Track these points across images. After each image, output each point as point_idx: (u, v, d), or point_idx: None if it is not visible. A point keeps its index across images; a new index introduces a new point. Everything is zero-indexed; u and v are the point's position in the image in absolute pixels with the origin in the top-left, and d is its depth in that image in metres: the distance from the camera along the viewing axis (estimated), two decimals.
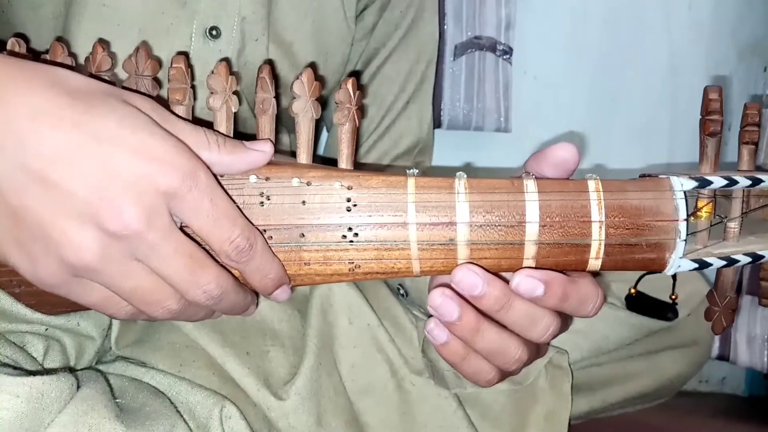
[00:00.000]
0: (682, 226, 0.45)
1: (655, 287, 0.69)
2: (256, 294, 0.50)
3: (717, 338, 1.22)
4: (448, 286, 0.47)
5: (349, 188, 0.46)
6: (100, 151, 0.39)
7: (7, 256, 0.42)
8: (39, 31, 0.62)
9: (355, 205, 0.46)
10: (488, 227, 0.45)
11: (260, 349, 0.58)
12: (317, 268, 0.47)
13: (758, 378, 1.42)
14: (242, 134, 0.49)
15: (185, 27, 0.63)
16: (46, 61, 0.46)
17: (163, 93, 0.48)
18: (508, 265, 0.46)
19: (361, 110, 0.49)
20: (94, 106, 0.40)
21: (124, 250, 0.41)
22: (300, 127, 0.48)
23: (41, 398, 0.41)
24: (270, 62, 0.68)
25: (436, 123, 1.20)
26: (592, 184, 0.46)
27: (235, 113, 0.48)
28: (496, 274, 0.46)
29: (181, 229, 0.43)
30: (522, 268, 0.46)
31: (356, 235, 0.46)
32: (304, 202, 0.46)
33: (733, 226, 0.49)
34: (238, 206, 0.45)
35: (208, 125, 0.46)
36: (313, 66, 0.72)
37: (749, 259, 0.48)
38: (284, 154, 0.79)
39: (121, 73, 0.47)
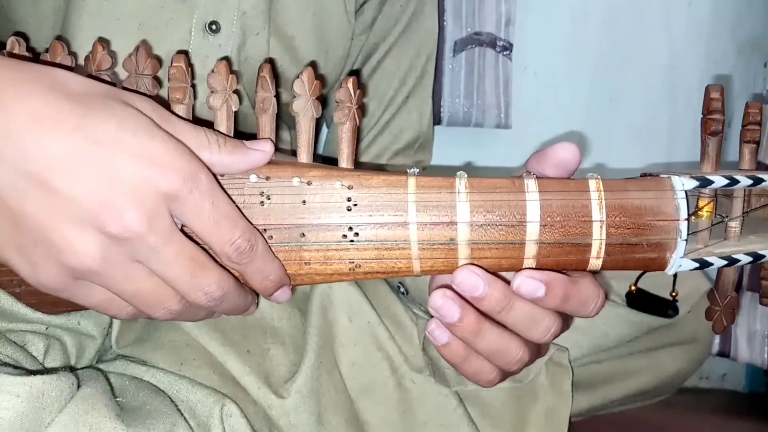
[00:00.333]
0: (683, 226, 0.45)
1: (655, 284, 0.69)
2: (257, 294, 0.50)
3: (717, 335, 1.22)
4: (449, 286, 0.47)
5: (350, 188, 0.46)
6: (101, 154, 0.39)
7: (8, 260, 0.42)
8: (39, 26, 0.62)
9: (355, 205, 0.46)
10: (489, 227, 0.45)
11: (261, 348, 0.58)
12: (318, 267, 0.47)
13: (759, 374, 1.42)
14: (242, 132, 0.49)
15: (185, 21, 0.63)
16: (45, 61, 0.46)
17: (164, 92, 0.48)
18: (509, 265, 0.46)
19: (362, 109, 0.49)
20: (93, 109, 0.40)
21: (126, 253, 0.41)
22: (300, 126, 0.48)
23: (41, 397, 0.41)
24: (271, 60, 0.68)
25: (436, 119, 1.19)
26: (593, 184, 0.46)
27: (235, 112, 0.48)
28: (496, 275, 0.46)
29: (182, 230, 0.43)
30: (523, 267, 0.46)
31: (357, 234, 0.46)
32: (304, 202, 0.46)
33: (734, 225, 0.49)
34: (238, 206, 0.45)
35: (209, 124, 0.46)
36: (313, 64, 0.72)
37: (750, 259, 0.48)
38: (284, 151, 0.79)
39: (121, 72, 0.47)
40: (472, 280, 0.45)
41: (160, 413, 0.49)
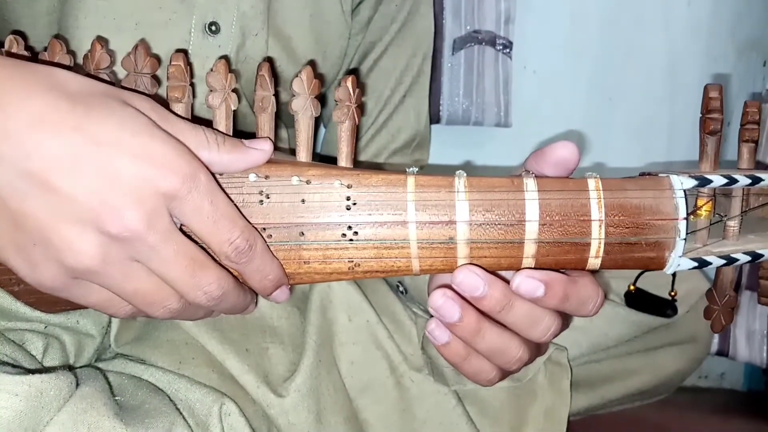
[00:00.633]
0: (682, 225, 0.45)
1: (654, 284, 0.70)
2: (256, 293, 0.50)
3: (716, 334, 1.23)
4: (449, 286, 0.47)
5: (349, 187, 0.46)
6: (101, 154, 0.39)
7: (7, 260, 0.42)
8: (34, 25, 0.62)
9: (354, 204, 0.46)
10: (488, 226, 0.45)
11: (259, 347, 0.58)
12: (317, 266, 0.47)
13: (757, 373, 1.42)
14: (241, 131, 0.49)
15: (184, 22, 0.63)
16: (44, 60, 0.46)
17: (162, 90, 0.48)
18: (508, 264, 0.46)
19: (361, 108, 0.49)
20: (93, 109, 0.40)
21: (125, 252, 0.41)
22: (299, 125, 0.48)
23: (40, 396, 0.41)
24: (269, 59, 0.68)
25: (435, 118, 1.19)
26: (592, 183, 0.46)
27: (234, 110, 0.48)
28: (496, 274, 0.46)
29: (181, 230, 0.43)
30: (522, 267, 0.46)
31: (356, 233, 0.46)
32: (303, 201, 0.46)
33: (733, 224, 0.49)
34: (237, 205, 0.45)
35: (208, 123, 0.46)
36: (312, 63, 0.72)
37: (749, 258, 0.48)
38: (283, 149, 0.79)
39: (120, 71, 0.47)
40: (472, 280, 0.45)
41: (158, 412, 0.49)
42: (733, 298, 0.51)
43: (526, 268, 0.46)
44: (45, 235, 0.40)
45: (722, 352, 1.27)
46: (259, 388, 0.56)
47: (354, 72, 0.82)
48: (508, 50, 1.21)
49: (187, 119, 0.45)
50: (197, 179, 0.41)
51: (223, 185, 0.45)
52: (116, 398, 0.49)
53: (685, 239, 0.45)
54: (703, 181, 0.46)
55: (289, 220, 0.46)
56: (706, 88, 0.47)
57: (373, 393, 0.62)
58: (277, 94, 0.48)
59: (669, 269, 0.47)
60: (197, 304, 0.45)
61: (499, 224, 0.45)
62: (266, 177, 0.46)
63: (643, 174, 0.49)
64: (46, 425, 0.41)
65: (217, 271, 0.44)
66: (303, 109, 0.47)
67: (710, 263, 0.47)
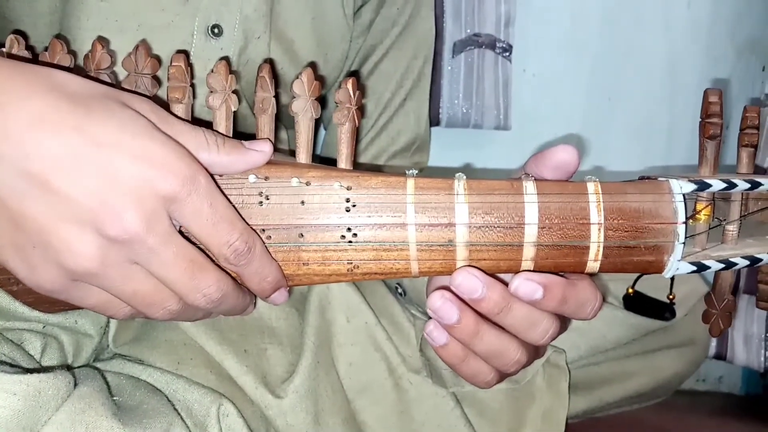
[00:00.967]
0: (681, 229, 0.45)
1: (652, 287, 0.70)
2: (254, 294, 0.50)
3: (714, 338, 1.23)
4: (448, 288, 0.47)
5: (349, 188, 0.46)
6: (100, 156, 0.39)
7: (6, 262, 0.42)
8: (35, 26, 0.62)
9: (354, 206, 0.46)
10: (487, 229, 0.45)
11: (258, 347, 0.58)
12: (316, 268, 0.47)
13: (755, 377, 1.42)
14: (241, 132, 0.49)
15: (187, 24, 0.63)
16: (45, 62, 0.46)
17: (163, 91, 0.48)
18: (507, 267, 0.46)
19: (361, 110, 0.49)
20: (93, 111, 0.40)
21: (124, 254, 0.41)
22: (300, 126, 0.48)
23: (38, 396, 0.41)
24: (270, 60, 0.68)
25: (435, 120, 1.19)
26: (591, 186, 0.46)
27: (234, 112, 0.48)
28: (495, 276, 0.46)
29: (180, 232, 0.43)
30: (521, 269, 0.46)
31: (355, 235, 0.46)
32: (303, 202, 0.46)
33: (732, 229, 0.49)
34: (236, 207, 0.45)
35: (208, 124, 0.46)
36: (313, 65, 0.72)
37: (747, 262, 0.48)
38: (283, 151, 0.79)
39: (121, 71, 0.47)
40: (471, 282, 0.45)
41: (156, 412, 0.49)
42: (732, 302, 0.51)
43: (525, 270, 0.46)
44: (44, 237, 0.40)
45: (720, 356, 1.27)
46: (257, 389, 0.56)
47: (354, 74, 0.82)
48: (507, 53, 1.22)
49: (187, 121, 0.45)
50: (197, 182, 0.41)
51: (223, 186, 0.45)
52: (114, 398, 0.49)
53: (684, 243, 0.45)
54: (703, 186, 0.46)
55: (289, 221, 0.46)
56: (705, 93, 0.47)
57: (372, 394, 0.62)
58: (277, 96, 0.48)
59: (668, 273, 0.47)
60: (196, 306, 0.45)
61: (499, 227, 0.45)
62: (266, 178, 0.46)
63: (642, 178, 0.49)
64: (44, 425, 0.41)
65: (216, 274, 0.44)
66: (303, 110, 0.47)
67: (709, 267, 0.47)
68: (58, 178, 0.39)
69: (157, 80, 0.47)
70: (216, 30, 0.64)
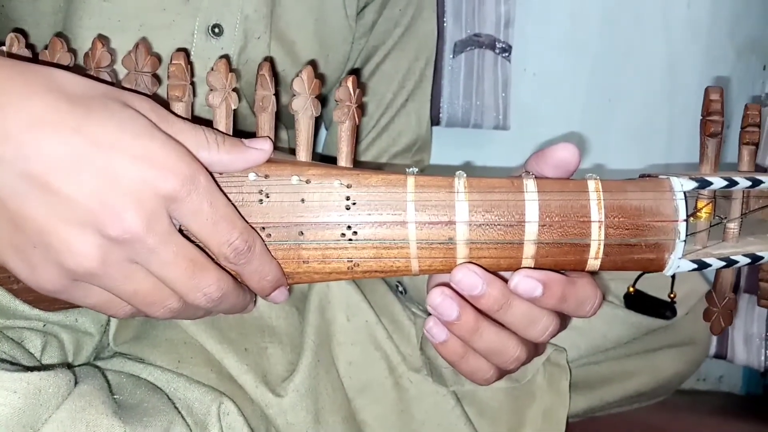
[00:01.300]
0: (682, 227, 0.45)
1: (653, 286, 0.69)
2: (254, 293, 0.50)
3: (714, 337, 1.23)
4: (448, 285, 0.47)
5: (349, 186, 0.46)
6: (100, 156, 0.39)
7: (6, 262, 0.42)
8: (38, 25, 0.62)
9: (354, 204, 0.46)
10: (487, 226, 0.45)
11: (258, 346, 0.58)
12: (316, 266, 0.47)
13: (755, 376, 1.42)
14: (241, 132, 0.49)
15: (187, 24, 0.63)
16: (45, 60, 0.45)
17: (163, 90, 0.48)
18: (507, 265, 0.46)
19: (362, 108, 0.49)
20: (93, 111, 0.40)
21: (124, 254, 0.41)
22: (300, 124, 0.48)
23: (38, 394, 0.41)
24: (270, 59, 0.68)
25: (435, 120, 1.19)
26: (591, 184, 0.46)
27: (234, 110, 0.48)
28: (495, 274, 0.46)
29: (180, 231, 0.43)
30: (521, 267, 0.46)
31: (355, 233, 0.46)
32: (303, 200, 0.46)
33: (733, 226, 0.49)
34: (236, 205, 0.45)
35: (208, 123, 0.46)
36: (313, 64, 0.72)
37: (748, 260, 0.48)
38: (282, 150, 0.79)
39: (121, 70, 0.47)
40: (471, 279, 0.45)
41: (157, 411, 0.49)
42: (733, 300, 0.51)
43: (526, 268, 0.46)
44: (44, 237, 0.40)
45: (720, 355, 1.27)
46: (257, 388, 0.56)
47: (355, 72, 0.82)
48: (507, 54, 1.22)
49: (187, 119, 0.45)
50: (197, 181, 0.41)
51: (223, 184, 0.45)
52: (115, 397, 0.49)
53: (684, 241, 0.45)
54: (703, 183, 0.46)
55: (289, 219, 0.46)
56: (706, 91, 0.47)
57: (372, 393, 0.62)
58: (277, 95, 0.48)
59: (668, 271, 0.47)
60: (197, 305, 0.45)
61: (499, 225, 0.45)
62: (266, 176, 0.46)
63: (643, 176, 0.49)
64: (44, 423, 0.41)
65: (217, 273, 0.44)
66: (303, 108, 0.47)
67: (710, 265, 0.47)
68: (58, 179, 0.39)
69: (157, 78, 0.47)
70: (216, 30, 0.64)
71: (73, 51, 0.47)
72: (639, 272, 0.56)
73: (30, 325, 0.50)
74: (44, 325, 0.50)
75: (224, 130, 0.47)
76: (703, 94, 0.48)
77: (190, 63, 0.47)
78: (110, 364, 0.55)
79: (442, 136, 1.18)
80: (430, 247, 0.46)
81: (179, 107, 0.46)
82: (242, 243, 0.44)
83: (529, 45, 1.27)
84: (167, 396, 0.52)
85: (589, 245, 0.45)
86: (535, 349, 0.51)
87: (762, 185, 0.47)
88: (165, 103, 0.45)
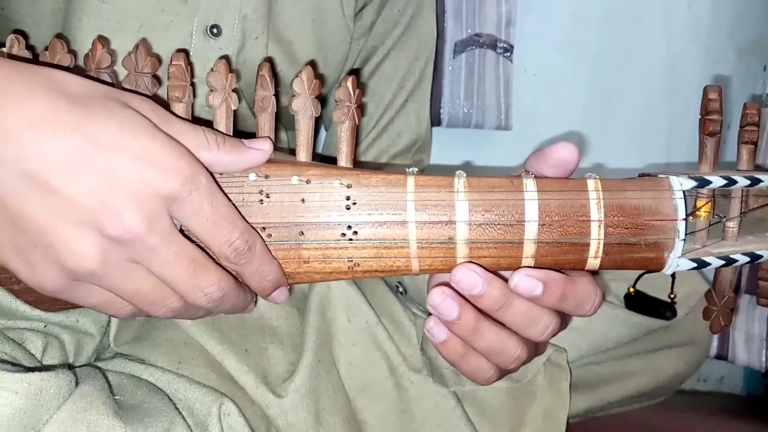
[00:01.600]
0: (681, 226, 0.45)
1: (654, 286, 0.70)
2: (255, 293, 0.50)
3: (715, 337, 1.23)
4: (448, 284, 0.47)
5: (349, 186, 0.46)
6: (101, 155, 0.39)
7: (6, 263, 0.42)
8: (37, 26, 0.62)
9: (354, 204, 0.46)
10: (487, 226, 0.45)
11: (259, 347, 0.58)
12: (316, 266, 0.47)
13: (756, 377, 1.42)
14: (241, 132, 0.49)
15: (186, 24, 0.63)
16: (45, 61, 0.46)
17: (163, 90, 0.48)
18: (507, 264, 0.46)
19: (361, 108, 0.49)
20: (93, 111, 0.40)
21: (125, 254, 0.41)
22: (299, 125, 0.48)
23: (39, 395, 0.41)
24: (269, 60, 0.68)
25: (436, 121, 1.19)
26: (591, 184, 0.46)
27: (234, 111, 0.48)
28: (495, 273, 0.46)
29: (181, 231, 0.43)
30: (521, 267, 0.46)
31: (355, 233, 0.46)
32: (303, 200, 0.46)
33: (732, 225, 0.49)
34: (237, 205, 0.45)
35: (208, 123, 0.46)
36: (312, 64, 0.72)
37: (748, 259, 0.48)
38: (282, 151, 0.79)
39: (121, 70, 0.47)
40: (471, 278, 0.45)
41: (158, 411, 0.49)
42: (732, 299, 0.51)
43: (526, 267, 0.46)
44: (45, 237, 0.40)
45: (721, 356, 1.27)
46: (258, 389, 0.56)
47: (354, 72, 0.82)
48: (508, 54, 1.22)
49: (187, 120, 0.45)
50: (197, 181, 0.41)
51: (223, 185, 0.45)
52: (115, 397, 0.49)
53: (684, 240, 0.45)
54: (703, 182, 0.46)
55: (289, 219, 0.46)
56: (705, 90, 0.48)
57: (372, 393, 0.62)
58: (277, 95, 0.48)
59: (668, 270, 0.47)
60: (197, 305, 0.45)
61: (499, 224, 0.45)
62: (266, 176, 0.46)
63: (642, 175, 0.49)
64: (45, 423, 0.41)
65: (218, 273, 0.44)
66: (303, 109, 0.47)
67: (709, 264, 0.47)
68: (58, 179, 0.39)
69: (157, 79, 0.47)
70: (215, 30, 0.64)
71: (73, 52, 0.47)
72: (639, 272, 0.56)
73: (31, 325, 0.50)
74: (45, 326, 0.51)
75: (224, 131, 0.47)
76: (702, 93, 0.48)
77: (189, 64, 0.47)
78: (111, 364, 0.55)
79: (443, 137, 1.18)
80: (430, 246, 0.46)
81: (179, 108, 0.47)
82: (243, 243, 0.44)
83: (530, 45, 1.27)
84: (168, 397, 0.52)
85: (588, 244, 0.45)
86: (535, 348, 0.51)
87: (761, 184, 0.47)
88: (165, 104, 0.45)
